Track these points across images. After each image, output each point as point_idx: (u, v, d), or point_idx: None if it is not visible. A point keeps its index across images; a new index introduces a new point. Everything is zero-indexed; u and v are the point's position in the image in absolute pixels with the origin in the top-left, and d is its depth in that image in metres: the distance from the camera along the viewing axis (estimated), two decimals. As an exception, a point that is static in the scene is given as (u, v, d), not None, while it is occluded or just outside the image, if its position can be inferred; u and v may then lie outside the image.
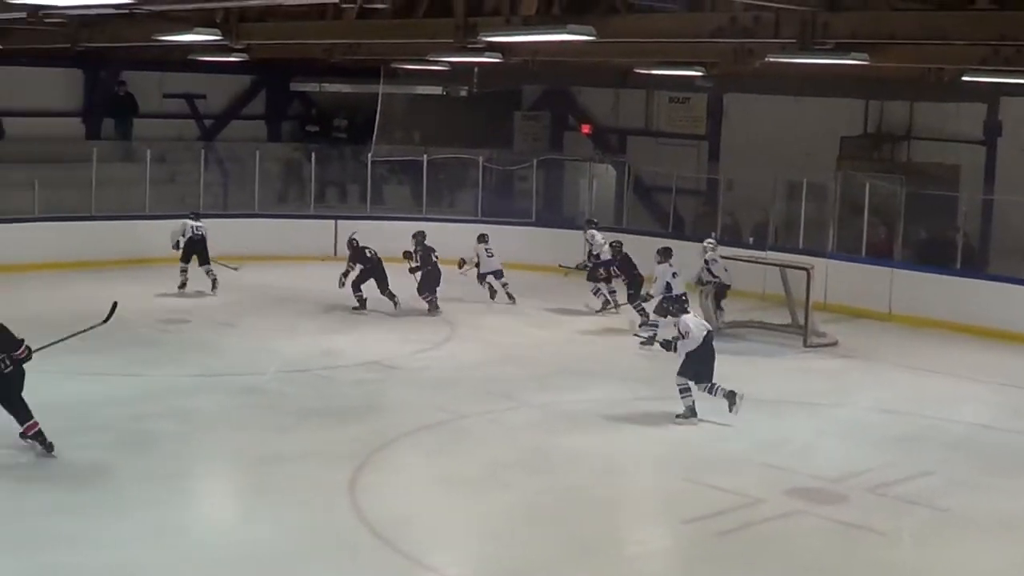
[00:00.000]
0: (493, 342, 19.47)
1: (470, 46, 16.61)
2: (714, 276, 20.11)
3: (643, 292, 20.19)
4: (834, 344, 19.88)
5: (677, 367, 15.11)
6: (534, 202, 27.14)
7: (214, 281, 22.83)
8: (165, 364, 17.45)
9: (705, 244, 20.50)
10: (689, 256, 20.65)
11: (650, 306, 18.90)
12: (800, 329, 20.02)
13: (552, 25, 15.04)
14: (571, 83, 30.00)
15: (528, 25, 15.16)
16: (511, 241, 23.70)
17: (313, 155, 28.23)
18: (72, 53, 22.79)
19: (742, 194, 25.74)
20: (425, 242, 21.65)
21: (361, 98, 29.63)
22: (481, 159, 27.44)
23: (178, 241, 22.85)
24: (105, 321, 14.35)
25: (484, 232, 23.22)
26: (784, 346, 19.80)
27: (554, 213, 27.97)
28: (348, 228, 23.63)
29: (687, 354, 15.00)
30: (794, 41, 13.94)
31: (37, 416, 12.98)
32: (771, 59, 16.65)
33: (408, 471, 13.44)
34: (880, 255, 23.11)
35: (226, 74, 28.70)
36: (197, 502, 12.61)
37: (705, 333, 15.12)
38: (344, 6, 11.11)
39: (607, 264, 21.31)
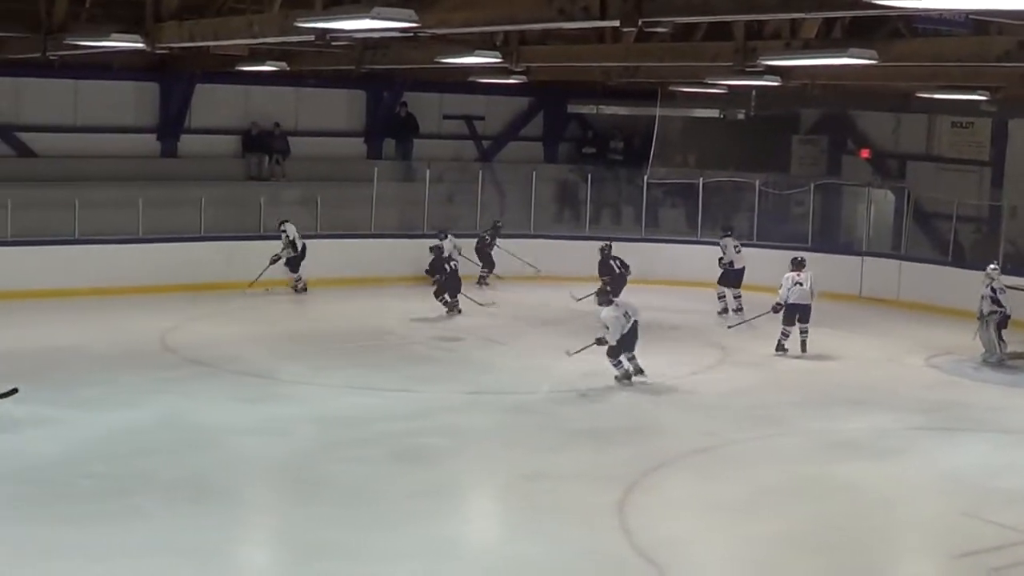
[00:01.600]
0: (764, 366, 19.30)
1: (748, 69, 16.46)
2: (1000, 307, 19.57)
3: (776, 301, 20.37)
4: (1121, 379, 19.15)
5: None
6: (810, 227, 26.74)
7: (304, 289, 24.24)
8: (439, 381, 17.78)
9: (990, 271, 19.89)
10: (971, 284, 20.19)
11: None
12: (1085, 363, 19.34)
13: (834, 49, 14.82)
14: (850, 107, 29.49)
15: (808, 48, 14.99)
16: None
17: (589, 177, 28.50)
18: (356, 75, 23.45)
19: (1026, 222, 25.01)
20: (442, 254, 22.96)
21: (637, 120, 29.77)
22: (757, 183, 27.20)
23: (288, 249, 24.03)
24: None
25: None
26: (1068, 380, 19.15)
27: (830, 238, 27.52)
28: (623, 249, 23.67)
29: (616, 340, 17.27)
30: (1086, 66, 13.50)
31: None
32: (1060, 84, 16.14)
33: (676, 494, 13.40)
34: None
35: (504, 96, 29.20)
36: (467, 518, 12.81)
37: (631, 323, 17.31)
38: (623, 29, 11.13)
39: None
